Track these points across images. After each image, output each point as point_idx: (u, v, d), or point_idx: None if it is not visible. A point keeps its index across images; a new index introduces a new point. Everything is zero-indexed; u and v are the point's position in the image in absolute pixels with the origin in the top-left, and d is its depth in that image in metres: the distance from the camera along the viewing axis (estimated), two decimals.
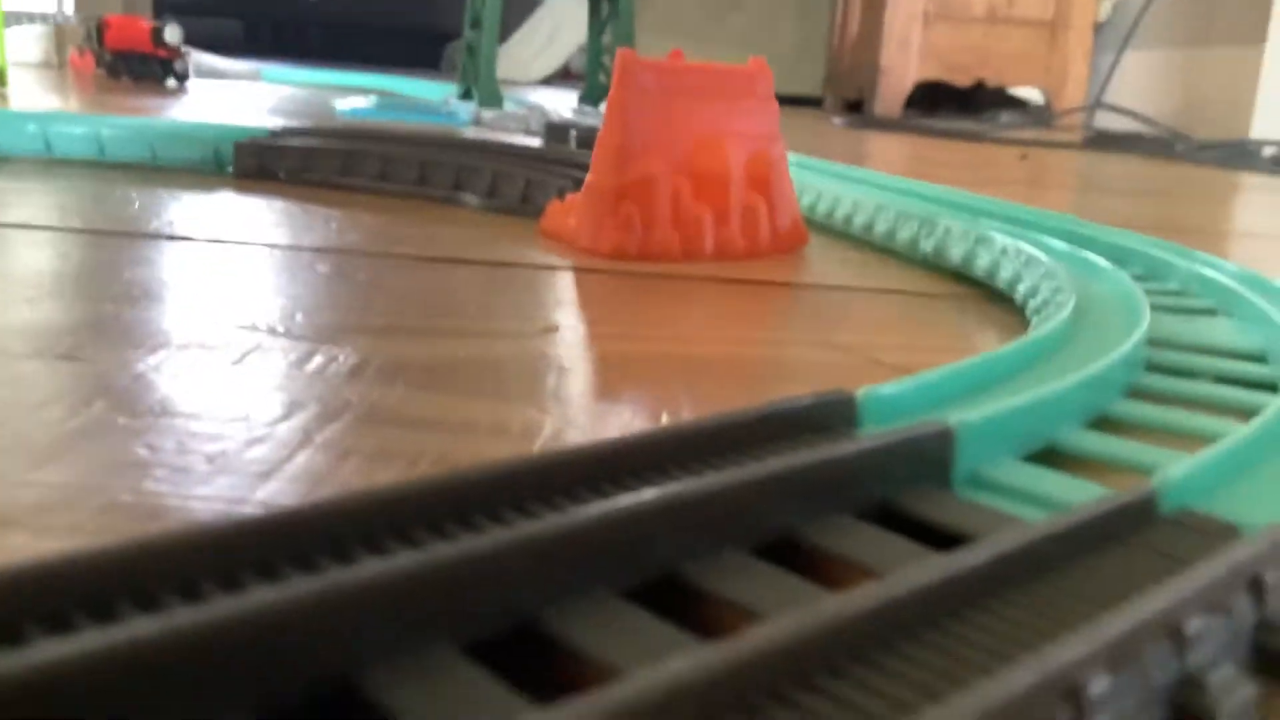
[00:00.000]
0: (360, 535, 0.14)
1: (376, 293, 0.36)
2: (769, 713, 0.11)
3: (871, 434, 0.18)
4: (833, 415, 0.20)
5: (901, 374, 0.30)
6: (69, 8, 2.08)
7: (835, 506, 0.16)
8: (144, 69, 1.62)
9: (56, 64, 2.00)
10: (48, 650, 0.10)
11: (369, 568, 0.12)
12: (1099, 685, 0.11)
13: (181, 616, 0.10)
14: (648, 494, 0.14)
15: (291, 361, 0.27)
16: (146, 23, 1.63)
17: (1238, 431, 0.20)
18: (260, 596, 0.11)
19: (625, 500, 0.14)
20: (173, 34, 1.60)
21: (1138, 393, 0.26)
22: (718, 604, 0.14)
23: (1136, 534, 0.16)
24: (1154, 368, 0.28)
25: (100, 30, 1.63)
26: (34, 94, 1.28)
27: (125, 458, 0.20)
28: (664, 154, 0.46)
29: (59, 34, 1.99)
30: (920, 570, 0.13)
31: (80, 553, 0.12)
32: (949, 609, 0.13)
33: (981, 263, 0.43)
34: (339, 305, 0.34)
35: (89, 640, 0.10)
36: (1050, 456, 0.21)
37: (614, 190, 0.46)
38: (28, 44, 1.99)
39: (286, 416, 0.23)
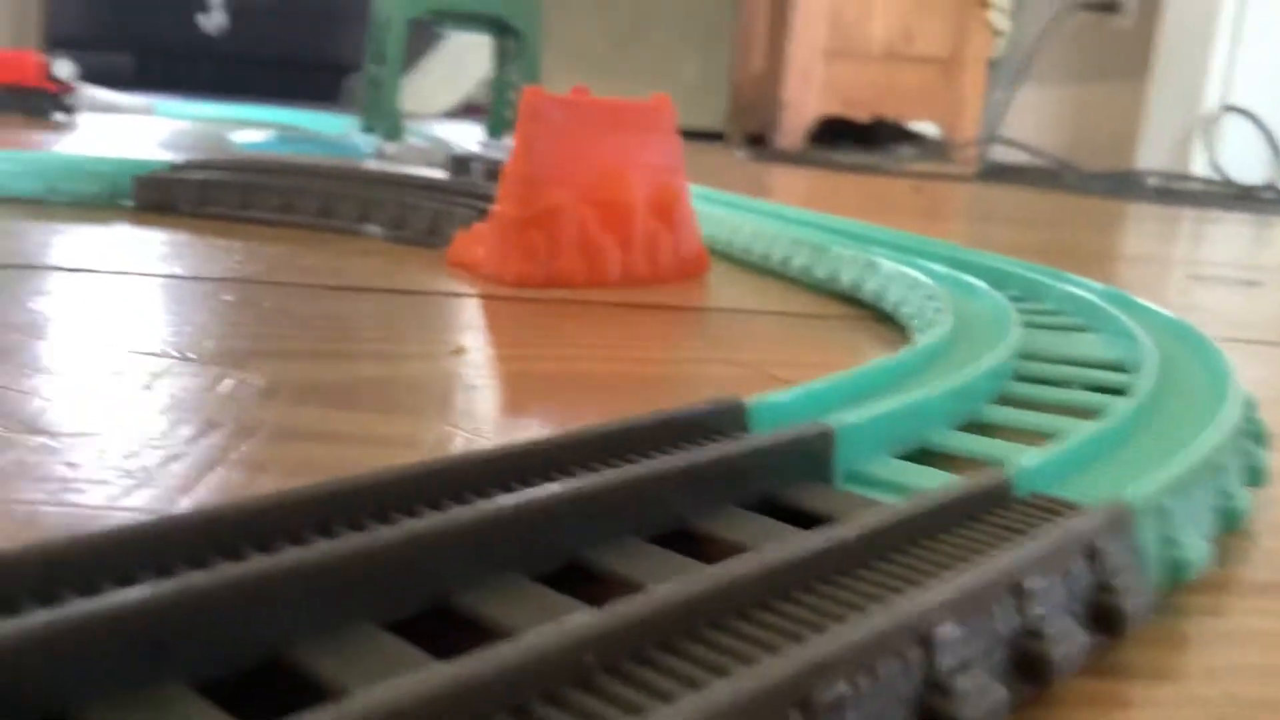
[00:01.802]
0: (285, 532, 0.15)
1: (285, 319, 0.36)
2: (662, 661, 0.12)
3: (759, 435, 0.20)
4: (725, 421, 0.21)
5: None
6: None
7: (725, 500, 0.18)
8: (34, 104, 1.58)
9: None
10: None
11: (296, 553, 0.13)
12: (949, 631, 0.13)
13: (132, 594, 0.11)
14: (554, 488, 0.16)
15: (203, 385, 0.27)
16: (37, 57, 1.59)
17: (1086, 427, 0.22)
18: (195, 579, 0.12)
19: (535, 493, 0.16)
20: (64, 69, 1.57)
21: (1005, 399, 0.28)
22: (612, 581, 0.15)
23: (991, 514, 0.17)
24: (1022, 377, 0.30)
25: None
26: None
27: (46, 473, 0.20)
28: (570, 185, 0.48)
29: None
30: (794, 543, 0.14)
31: (26, 547, 0.12)
32: (822, 577, 0.14)
33: (870, 286, 0.45)
34: (247, 332, 0.34)
35: (38, 616, 0.11)
36: (922, 456, 0.23)
37: (521, 220, 0.47)
38: None
39: (202, 435, 0.23)
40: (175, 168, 0.66)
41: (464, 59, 3.65)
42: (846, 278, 0.47)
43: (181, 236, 0.54)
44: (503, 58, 1.68)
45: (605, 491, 0.16)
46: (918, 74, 2.47)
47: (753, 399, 0.22)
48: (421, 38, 3.10)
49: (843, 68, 2.45)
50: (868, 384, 0.26)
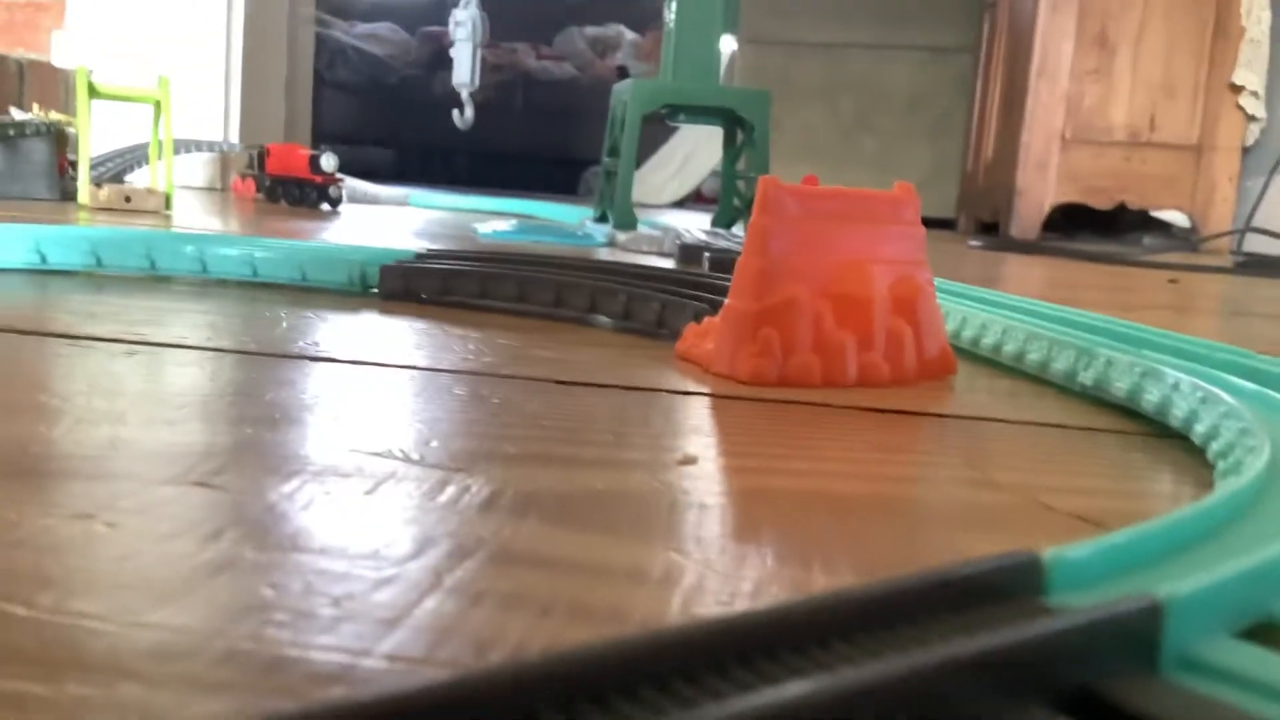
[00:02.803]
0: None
1: (511, 418, 0.35)
2: None
3: (1067, 608, 0.16)
4: (1017, 581, 0.17)
5: (1075, 520, 0.27)
6: (234, 136, 2.23)
7: (1029, 695, 0.14)
8: (301, 194, 1.71)
9: (220, 188, 2.14)
10: None
11: None
12: None
13: None
14: (806, 685, 0.13)
15: (424, 492, 0.26)
16: (305, 150, 1.73)
17: None
18: None
19: (788, 691, 0.12)
20: (329, 161, 1.69)
21: None
22: None
23: None
24: None
25: (262, 157, 1.73)
26: (196, 216, 1.36)
27: (249, 599, 0.19)
28: (805, 278, 0.45)
29: (223, 160, 2.13)
30: None
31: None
32: None
33: (1151, 398, 0.40)
34: (474, 431, 0.33)
35: None
36: (1267, 633, 0.18)
37: (754, 314, 0.44)
38: (194, 169, 2.13)
39: (417, 554, 0.22)
40: (419, 257, 0.68)
41: (695, 151, 3.74)
42: (1120, 386, 0.42)
43: (422, 325, 0.55)
44: (732, 149, 1.68)
45: (875, 688, 0.13)
46: (1163, 160, 2.32)
47: (1050, 554, 0.18)
48: (655, 132, 3.20)
49: (1081, 155, 2.33)
50: (1183, 534, 0.21)
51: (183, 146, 1.84)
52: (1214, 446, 0.33)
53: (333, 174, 1.71)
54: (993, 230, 2.52)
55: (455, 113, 2.14)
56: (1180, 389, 0.38)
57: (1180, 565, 0.20)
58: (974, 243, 2.09)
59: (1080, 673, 0.15)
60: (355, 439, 0.31)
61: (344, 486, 0.26)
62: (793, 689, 0.12)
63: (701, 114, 1.66)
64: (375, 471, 0.27)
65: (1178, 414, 0.37)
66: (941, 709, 0.13)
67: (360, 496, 0.25)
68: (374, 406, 0.35)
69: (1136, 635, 0.16)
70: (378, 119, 4.26)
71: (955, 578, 0.16)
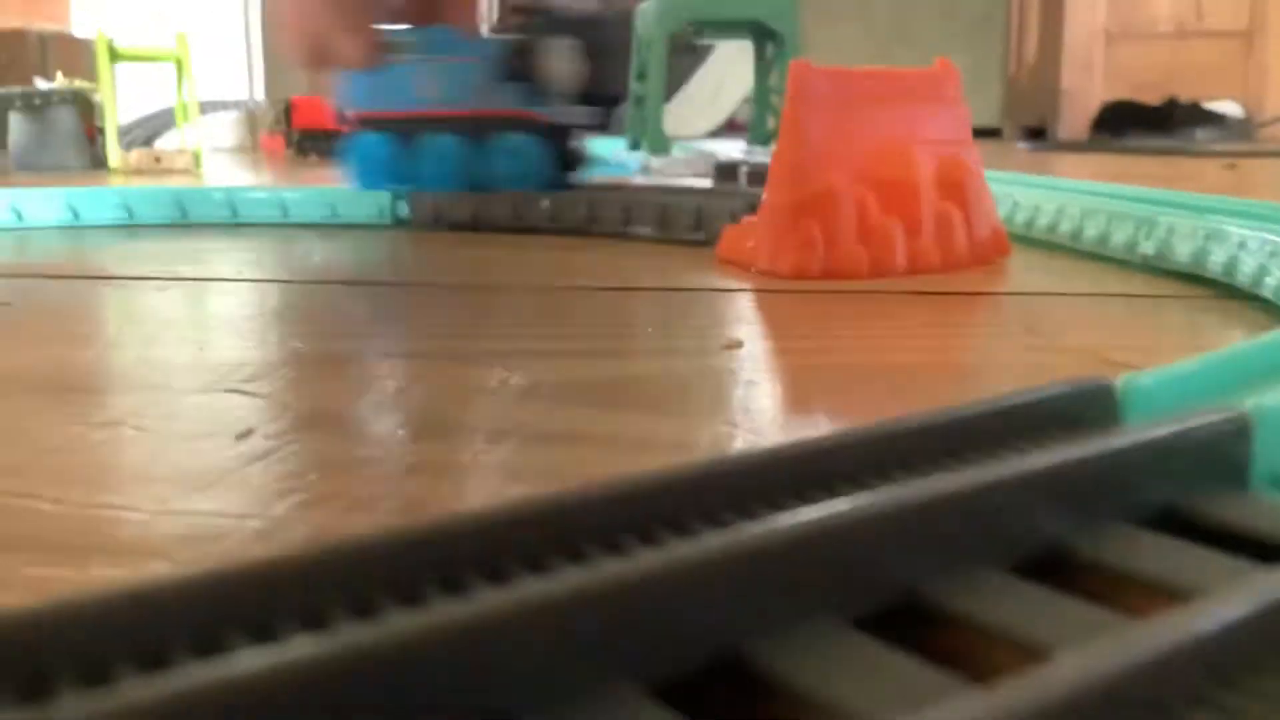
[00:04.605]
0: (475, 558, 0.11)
1: (552, 319, 0.34)
2: None
3: (1147, 425, 0.15)
4: (1088, 408, 0.16)
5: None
6: (259, 93, 2.22)
7: (1110, 514, 0.13)
8: (330, 146, 1.70)
9: (250, 146, 2.14)
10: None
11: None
12: None
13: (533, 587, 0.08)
14: (873, 498, 0.12)
15: (462, 388, 0.25)
16: (329, 102, 1.71)
17: None
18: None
19: (846, 505, 0.11)
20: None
21: None
22: (981, 634, 0.11)
23: None
24: None
25: (288, 111, 1.72)
26: (227, 172, 1.36)
27: (285, 484, 0.18)
28: (845, 165, 0.43)
29: (251, 118, 2.12)
30: (1255, 585, 0.09)
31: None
32: None
33: (1216, 259, 0.38)
34: (512, 332, 0.32)
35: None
36: None
37: (792, 206, 0.43)
38: (224, 130, 2.13)
39: (451, 439, 0.21)
40: None
41: (725, 80, 3.67)
42: (1184, 251, 0.40)
43: (457, 250, 0.54)
44: (763, 66, 1.64)
45: (948, 503, 0.12)
46: (1212, 50, 2.23)
47: (1123, 380, 0.17)
48: (684, 64, 3.14)
49: (1126, 49, 2.25)
50: (1262, 360, 0.20)
51: (208, 107, 1.83)
52: None
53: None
54: (1040, 136, 2.45)
55: None
56: (1247, 247, 0.36)
57: (1259, 391, 0.19)
58: (1023, 145, 2.03)
59: (1164, 490, 0.14)
60: (396, 344, 0.30)
61: (383, 384, 0.25)
62: (849, 504, 0.11)
63: (728, 29, 1.62)
64: (412, 371, 0.27)
65: (1246, 271, 0.36)
66: (1021, 531, 0.12)
67: (395, 394, 0.24)
68: (410, 318, 0.35)
69: (1223, 450, 0.14)
70: None
71: (1022, 404, 0.15)
